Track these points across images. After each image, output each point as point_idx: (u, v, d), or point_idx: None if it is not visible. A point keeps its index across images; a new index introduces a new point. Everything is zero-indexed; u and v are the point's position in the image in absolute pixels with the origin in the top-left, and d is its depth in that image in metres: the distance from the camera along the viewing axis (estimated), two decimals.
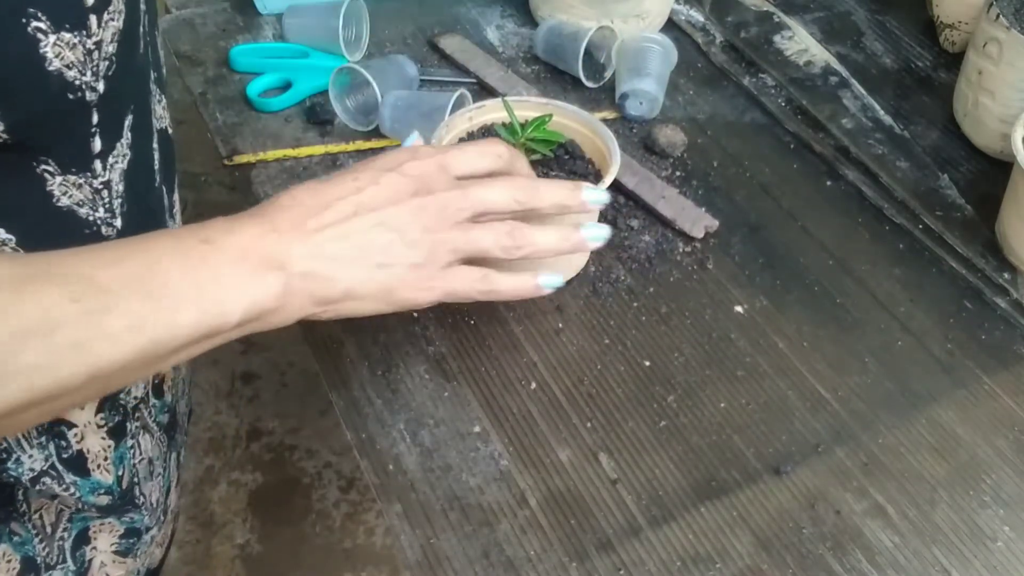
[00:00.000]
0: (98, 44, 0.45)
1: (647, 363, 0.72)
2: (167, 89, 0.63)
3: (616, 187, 0.85)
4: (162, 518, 0.71)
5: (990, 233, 0.83)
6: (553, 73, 0.99)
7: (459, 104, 0.85)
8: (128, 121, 0.52)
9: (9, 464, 0.55)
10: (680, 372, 0.72)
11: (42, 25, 0.41)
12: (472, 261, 0.55)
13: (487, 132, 0.77)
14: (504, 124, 0.75)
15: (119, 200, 0.53)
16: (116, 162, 0.52)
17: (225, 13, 1.05)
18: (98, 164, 0.50)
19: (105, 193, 0.52)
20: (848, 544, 0.62)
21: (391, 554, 1.54)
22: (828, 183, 0.88)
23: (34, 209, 0.49)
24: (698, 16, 1.08)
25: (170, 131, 0.62)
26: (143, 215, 0.57)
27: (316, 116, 0.91)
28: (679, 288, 0.78)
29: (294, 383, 1.75)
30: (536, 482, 0.64)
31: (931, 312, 0.77)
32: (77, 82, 0.45)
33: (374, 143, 0.89)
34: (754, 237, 0.83)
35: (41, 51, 0.42)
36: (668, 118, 0.94)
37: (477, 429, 0.67)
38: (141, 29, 0.51)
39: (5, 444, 0.54)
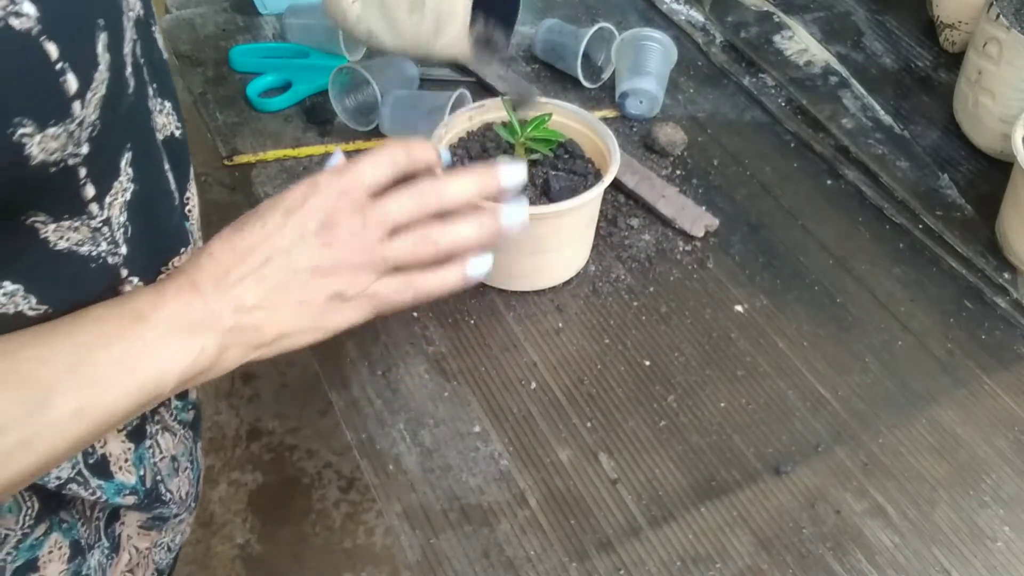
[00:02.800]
0: (81, 122, 0.44)
1: (647, 363, 0.72)
2: (171, 85, 0.62)
3: (616, 186, 0.85)
4: (192, 505, 0.72)
5: (990, 233, 0.83)
6: (552, 72, 0.99)
7: (459, 103, 0.85)
8: (125, 159, 0.52)
9: None
10: (680, 372, 0.72)
11: (28, 130, 0.41)
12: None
13: (487, 131, 0.77)
14: (504, 123, 0.75)
15: (121, 231, 0.53)
16: (115, 199, 0.52)
17: (225, 13, 1.05)
18: (94, 207, 0.50)
19: (105, 229, 0.52)
20: (848, 544, 0.62)
21: (391, 554, 1.54)
22: (828, 182, 0.88)
23: (33, 257, 0.49)
24: (698, 16, 1.08)
25: (178, 133, 0.62)
26: (151, 234, 0.57)
27: (316, 116, 0.91)
28: (679, 287, 0.78)
29: (294, 383, 1.75)
30: (536, 482, 0.64)
31: (931, 312, 0.77)
32: (59, 159, 0.45)
33: (374, 142, 0.89)
34: (754, 236, 0.83)
35: (26, 152, 0.42)
36: (668, 117, 0.93)
37: (477, 429, 0.67)
38: (129, 70, 0.50)
39: None
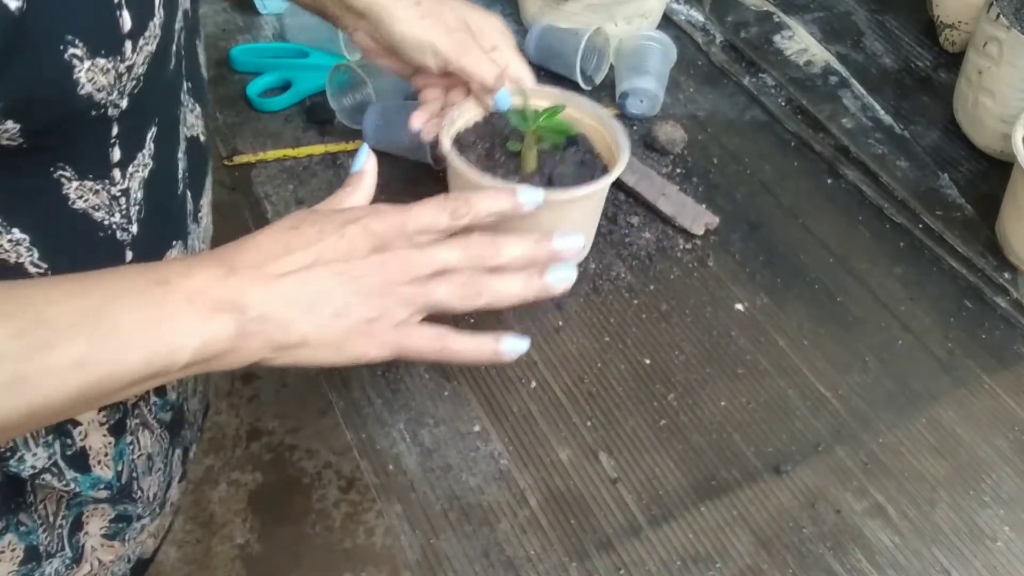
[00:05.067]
0: (130, 68, 0.45)
1: (647, 361, 0.72)
2: (205, 95, 0.63)
3: (617, 184, 0.85)
4: (157, 510, 0.71)
5: (990, 233, 0.83)
6: (548, 74, 0.98)
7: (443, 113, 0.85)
8: (152, 133, 0.53)
9: (11, 461, 0.55)
10: (680, 370, 0.72)
11: (79, 52, 0.42)
12: (438, 318, 0.54)
13: (500, 118, 0.76)
14: (517, 110, 0.75)
15: (136, 207, 0.53)
16: (136, 171, 0.52)
17: (225, 13, 1.05)
18: (117, 172, 0.50)
19: (123, 200, 0.52)
20: (848, 544, 0.62)
21: (391, 554, 1.54)
22: (828, 181, 0.88)
23: (48, 210, 0.49)
24: (698, 16, 1.08)
25: (203, 138, 0.62)
26: (161, 222, 0.57)
27: (316, 116, 0.91)
28: (679, 286, 0.78)
29: (294, 383, 1.74)
30: (536, 481, 0.64)
31: (931, 311, 0.77)
32: (103, 101, 0.45)
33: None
34: (754, 235, 0.83)
35: (75, 76, 0.42)
36: (668, 115, 0.93)
37: (477, 428, 0.67)
38: (174, 47, 0.51)
39: (11, 442, 0.55)
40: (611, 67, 0.97)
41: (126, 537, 0.68)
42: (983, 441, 0.68)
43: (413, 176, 0.87)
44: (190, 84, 0.58)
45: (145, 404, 0.65)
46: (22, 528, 0.58)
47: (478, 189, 0.59)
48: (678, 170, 0.88)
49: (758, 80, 0.99)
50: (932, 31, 1.06)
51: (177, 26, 0.51)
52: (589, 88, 0.96)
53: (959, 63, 0.93)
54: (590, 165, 0.75)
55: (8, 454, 0.55)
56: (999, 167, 0.88)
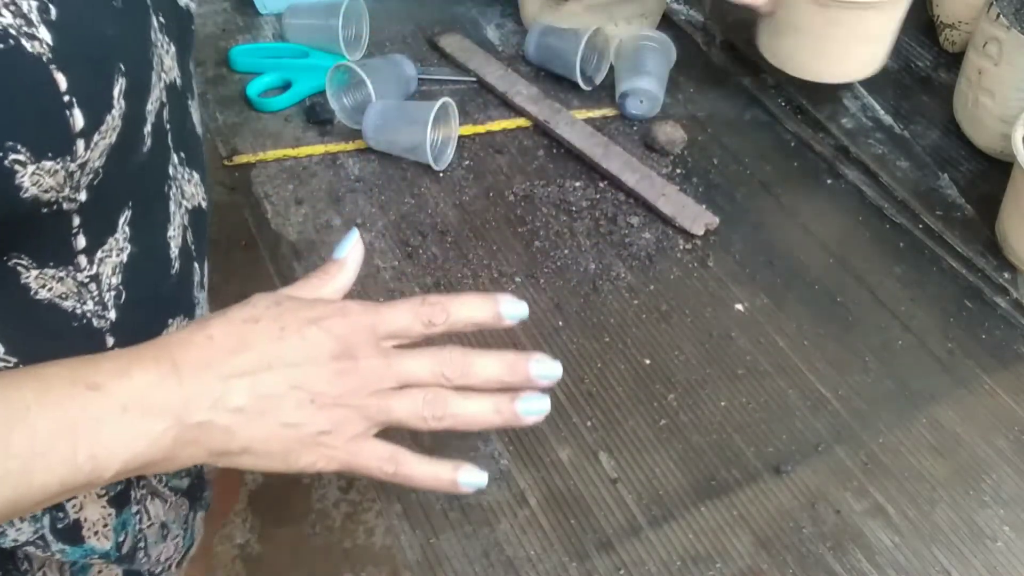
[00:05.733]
0: (83, 164, 0.41)
1: (647, 361, 0.72)
2: (203, 159, 0.59)
3: (616, 184, 0.85)
4: (174, 570, 0.67)
5: (990, 233, 0.83)
6: (547, 74, 0.98)
7: (442, 113, 0.85)
8: (125, 217, 0.49)
9: None
10: (680, 370, 0.72)
11: (21, 157, 0.38)
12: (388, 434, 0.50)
13: None
14: None
15: (112, 293, 0.50)
16: (107, 256, 0.48)
17: (225, 13, 1.05)
18: (83, 259, 0.47)
19: (93, 286, 0.48)
20: (848, 544, 0.62)
21: (391, 554, 1.54)
22: (829, 182, 0.88)
23: (8, 301, 0.45)
24: (698, 16, 1.08)
25: (204, 204, 0.58)
26: (149, 305, 0.53)
27: (316, 116, 0.91)
28: (679, 286, 0.78)
29: None
30: (536, 481, 0.64)
31: (931, 311, 0.77)
32: (53, 199, 0.41)
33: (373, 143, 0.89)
34: (754, 235, 0.83)
35: (17, 181, 0.39)
36: (668, 116, 0.93)
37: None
38: (148, 128, 0.47)
39: None
40: (611, 67, 0.97)
41: None
42: (983, 441, 0.68)
43: (413, 176, 0.87)
44: (182, 154, 0.54)
45: (155, 475, 0.61)
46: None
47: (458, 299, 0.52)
48: (678, 170, 0.88)
49: (758, 80, 0.99)
50: (932, 31, 1.06)
51: (150, 107, 0.47)
52: (589, 88, 0.96)
53: (959, 63, 0.92)
54: None
55: None
56: (999, 167, 0.88)
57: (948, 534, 0.63)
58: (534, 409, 0.50)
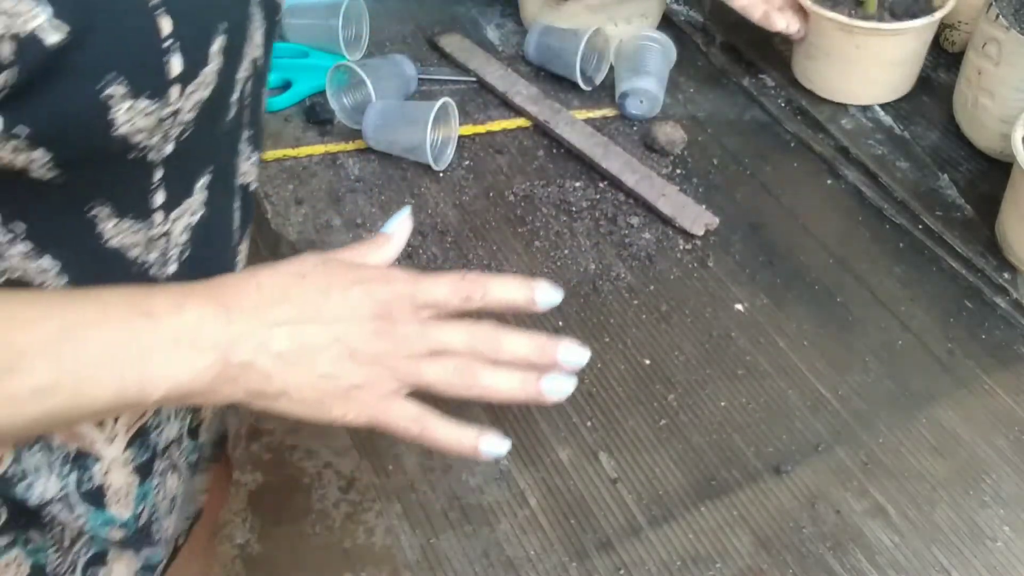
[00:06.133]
0: (175, 112, 0.44)
1: (647, 361, 0.72)
2: (263, 141, 0.61)
3: (616, 185, 0.85)
4: (170, 546, 0.69)
5: (990, 233, 0.83)
6: (547, 74, 0.98)
7: (442, 114, 0.85)
8: (202, 181, 0.51)
9: (18, 487, 0.53)
10: (680, 370, 0.72)
11: (121, 90, 0.40)
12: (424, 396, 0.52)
13: None
14: None
15: (177, 249, 0.52)
16: (181, 216, 0.51)
17: None
18: (158, 215, 0.49)
19: (162, 241, 0.50)
20: (848, 544, 0.62)
21: (391, 554, 1.54)
22: (828, 182, 0.88)
23: (81, 245, 0.48)
24: (698, 16, 1.08)
25: (253, 187, 0.60)
26: (205, 270, 0.54)
27: (316, 116, 0.91)
28: (679, 286, 0.78)
29: None
30: (536, 481, 0.64)
31: (931, 311, 0.77)
32: (141, 143, 0.43)
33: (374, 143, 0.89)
34: (754, 235, 0.83)
35: (110, 116, 0.41)
36: (668, 116, 0.93)
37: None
38: (235, 96, 0.49)
39: (20, 467, 0.53)
40: (611, 67, 0.97)
41: None
42: (983, 441, 0.68)
43: (413, 176, 0.87)
44: (251, 132, 0.56)
45: (177, 447, 0.63)
46: (30, 545, 0.56)
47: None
48: (678, 171, 0.88)
49: (758, 81, 0.99)
50: None
51: (241, 75, 0.49)
52: (589, 88, 0.96)
53: (959, 63, 0.92)
54: (922, 5, 0.89)
55: (15, 479, 0.53)
56: (999, 167, 0.88)
57: (948, 534, 0.63)
58: (558, 389, 0.52)
